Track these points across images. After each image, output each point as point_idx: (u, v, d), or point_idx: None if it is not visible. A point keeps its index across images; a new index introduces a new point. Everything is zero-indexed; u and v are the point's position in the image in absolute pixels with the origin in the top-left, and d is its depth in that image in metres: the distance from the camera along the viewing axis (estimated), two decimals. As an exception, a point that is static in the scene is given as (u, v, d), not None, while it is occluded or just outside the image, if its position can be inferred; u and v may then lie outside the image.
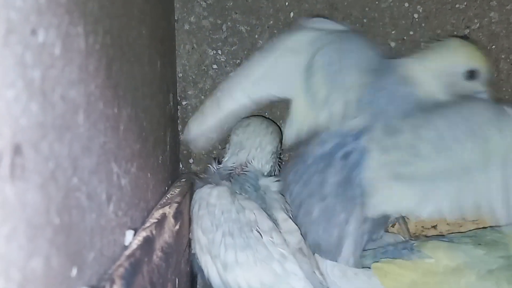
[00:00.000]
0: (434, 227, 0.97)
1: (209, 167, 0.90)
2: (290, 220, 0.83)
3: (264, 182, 0.87)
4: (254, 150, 0.89)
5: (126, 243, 0.60)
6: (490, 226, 0.85)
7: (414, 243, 0.83)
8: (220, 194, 0.81)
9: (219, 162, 0.91)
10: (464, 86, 0.83)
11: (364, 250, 0.84)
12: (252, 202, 0.82)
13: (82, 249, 0.49)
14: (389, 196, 0.79)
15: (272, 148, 0.90)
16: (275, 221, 0.81)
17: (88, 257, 0.50)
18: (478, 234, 0.85)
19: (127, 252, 0.57)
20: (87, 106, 0.49)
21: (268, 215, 0.81)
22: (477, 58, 0.83)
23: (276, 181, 0.87)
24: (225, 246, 0.78)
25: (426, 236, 0.95)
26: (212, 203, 0.81)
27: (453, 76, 0.83)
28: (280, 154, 0.93)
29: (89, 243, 0.50)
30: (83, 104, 0.49)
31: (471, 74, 0.83)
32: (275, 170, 0.92)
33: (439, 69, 0.83)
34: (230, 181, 0.86)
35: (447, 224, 0.97)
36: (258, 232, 0.78)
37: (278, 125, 0.95)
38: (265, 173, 0.89)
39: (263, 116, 0.98)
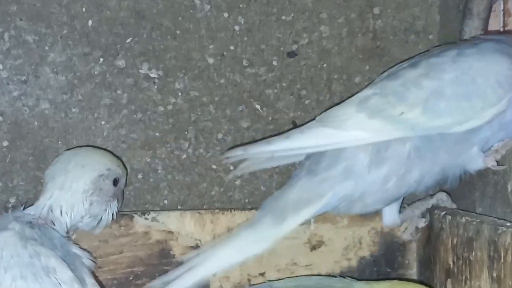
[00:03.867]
0: (262, 274, 0.87)
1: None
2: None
3: (77, 251, 0.78)
4: (58, 191, 0.77)
5: None
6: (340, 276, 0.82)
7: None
8: (6, 240, 0.72)
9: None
10: None
11: None
12: (48, 250, 0.73)
13: None
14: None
15: (83, 186, 0.78)
16: (83, 281, 0.75)
17: None
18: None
19: None
20: None
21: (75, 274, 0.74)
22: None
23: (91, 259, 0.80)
24: None
25: (252, 285, 0.85)
26: None
27: None
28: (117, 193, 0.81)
29: None
30: None
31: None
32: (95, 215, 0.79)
33: None
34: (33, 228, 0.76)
35: (277, 271, 0.87)
36: (57, 280, 0.70)
37: (110, 157, 0.82)
38: (74, 222, 0.78)
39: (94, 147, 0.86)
